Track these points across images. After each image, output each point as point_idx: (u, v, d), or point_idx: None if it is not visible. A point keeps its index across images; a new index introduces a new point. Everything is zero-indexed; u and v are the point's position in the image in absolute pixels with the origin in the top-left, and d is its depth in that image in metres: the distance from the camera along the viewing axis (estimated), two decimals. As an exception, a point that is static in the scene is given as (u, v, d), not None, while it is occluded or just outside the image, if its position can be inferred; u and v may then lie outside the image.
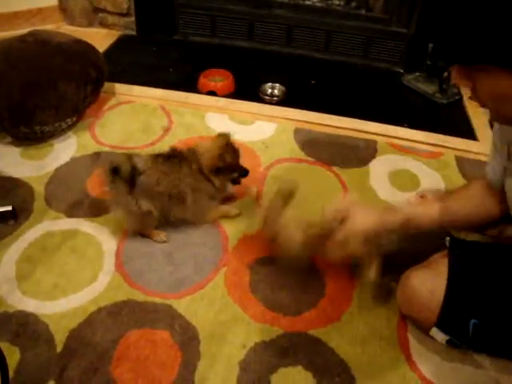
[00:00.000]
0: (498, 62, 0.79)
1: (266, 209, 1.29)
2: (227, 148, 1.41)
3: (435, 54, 2.17)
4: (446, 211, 1.17)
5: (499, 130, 1.11)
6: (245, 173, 1.46)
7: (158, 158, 1.36)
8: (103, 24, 2.58)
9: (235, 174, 1.45)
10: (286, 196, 1.28)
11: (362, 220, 1.14)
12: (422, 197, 1.58)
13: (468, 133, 1.95)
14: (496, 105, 0.89)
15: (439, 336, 1.13)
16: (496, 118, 0.98)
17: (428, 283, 1.12)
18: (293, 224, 1.25)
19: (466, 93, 2.16)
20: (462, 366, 1.16)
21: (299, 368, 1.14)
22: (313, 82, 2.26)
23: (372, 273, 1.21)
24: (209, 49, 2.47)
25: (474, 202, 1.20)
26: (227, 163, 1.39)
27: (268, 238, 1.31)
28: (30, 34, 1.84)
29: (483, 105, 0.91)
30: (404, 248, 1.42)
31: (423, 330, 1.18)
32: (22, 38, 1.80)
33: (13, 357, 1.11)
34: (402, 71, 2.36)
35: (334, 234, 1.14)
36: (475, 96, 0.91)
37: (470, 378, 1.14)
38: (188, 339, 1.18)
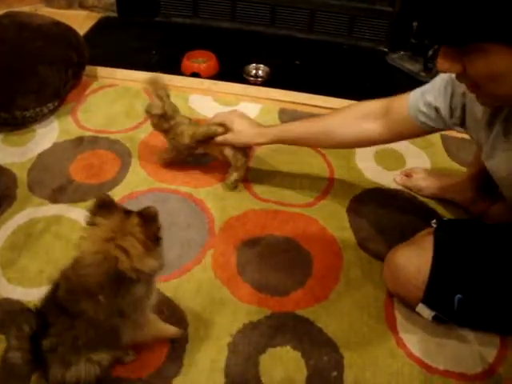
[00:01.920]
0: (499, 38, 0.74)
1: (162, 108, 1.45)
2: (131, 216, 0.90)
3: (420, 33, 2.16)
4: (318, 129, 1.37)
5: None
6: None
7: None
8: (83, 6, 2.52)
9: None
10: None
11: (242, 132, 1.43)
12: (407, 175, 1.59)
13: (453, 111, 1.95)
14: (493, 86, 0.83)
15: (425, 312, 1.14)
16: (487, 101, 0.93)
17: (414, 260, 1.13)
18: (185, 123, 1.49)
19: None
20: (447, 341, 1.18)
21: (288, 348, 1.15)
22: (297, 62, 2.24)
23: (234, 176, 1.51)
24: (191, 30, 2.43)
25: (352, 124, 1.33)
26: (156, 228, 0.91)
27: (162, 132, 1.51)
28: (6, 15, 1.79)
29: (474, 88, 0.88)
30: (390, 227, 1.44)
31: (410, 306, 1.19)
32: (-3, 20, 1.76)
33: None
34: (386, 50, 2.35)
35: (217, 136, 1.44)
36: (464, 79, 0.87)
37: (455, 353, 1.16)
38: (176, 322, 1.17)
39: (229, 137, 1.43)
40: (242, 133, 1.43)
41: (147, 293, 0.96)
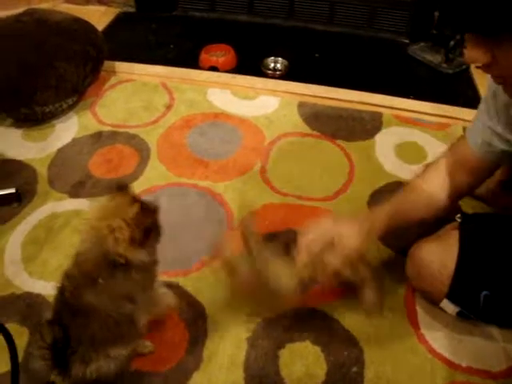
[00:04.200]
0: None
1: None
2: (135, 204, 0.91)
3: (448, 21, 2.12)
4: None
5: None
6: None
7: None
8: (101, 1, 2.52)
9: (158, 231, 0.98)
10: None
11: (349, 243, 1.04)
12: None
13: (475, 103, 1.87)
14: None
15: (450, 308, 1.12)
16: None
17: (439, 255, 1.11)
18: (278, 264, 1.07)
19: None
20: (470, 338, 1.16)
21: (307, 343, 1.14)
22: (316, 55, 2.22)
23: (370, 296, 1.13)
24: (209, 24, 2.42)
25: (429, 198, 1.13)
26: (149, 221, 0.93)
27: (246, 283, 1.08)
28: (26, 13, 1.80)
29: (501, 79, 0.84)
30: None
31: (433, 302, 1.17)
32: (17, 18, 1.77)
33: (22, 338, 1.12)
34: (407, 41, 2.31)
35: (324, 264, 1.03)
36: (492, 70, 0.83)
37: (478, 349, 1.14)
38: (195, 317, 1.18)
39: (344, 254, 1.04)
40: (354, 236, 1.05)
41: (148, 280, 0.97)
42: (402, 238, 1.35)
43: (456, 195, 1.14)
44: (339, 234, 1.04)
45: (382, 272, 1.27)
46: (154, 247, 0.97)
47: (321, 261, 1.03)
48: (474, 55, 0.80)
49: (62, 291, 0.94)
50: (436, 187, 1.13)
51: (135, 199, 0.93)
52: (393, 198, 1.13)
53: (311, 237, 1.06)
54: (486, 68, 0.83)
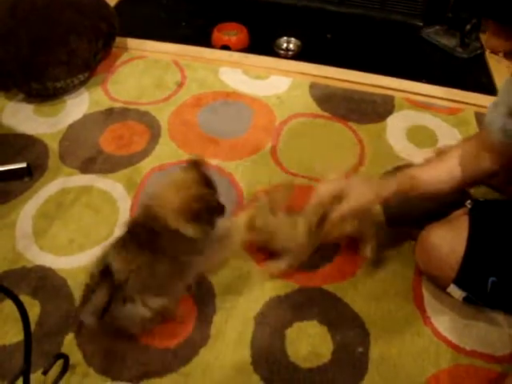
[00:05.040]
0: None
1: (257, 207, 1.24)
2: (202, 182, 1.05)
3: (458, 6, 2.09)
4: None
5: None
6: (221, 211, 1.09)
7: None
8: (113, -24, 2.50)
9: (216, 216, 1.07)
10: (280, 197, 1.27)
11: (357, 196, 1.11)
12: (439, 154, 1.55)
13: (489, 88, 1.89)
14: None
15: (457, 293, 1.13)
16: None
17: (448, 239, 1.11)
18: (288, 219, 1.21)
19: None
20: (476, 323, 1.16)
21: (314, 322, 1.15)
22: (329, 35, 2.20)
23: (368, 250, 1.24)
24: (222, 2, 2.40)
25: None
26: (208, 204, 1.03)
27: (261, 239, 1.24)
28: (38, -14, 1.79)
29: None
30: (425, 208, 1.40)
31: (440, 286, 1.18)
32: (30, -8, 1.75)
33: (33, 310, 1.14)
34: (421, 24, 2.28)
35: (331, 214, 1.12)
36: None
37: (483, 334, 1.15)
38: (204, 294, 1.19)
39: (350, 205, 1.10)
40: (364, 193, 1.13)
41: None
42: (409, 221, 1.36)
43: (471, 178, 1.14)
44: (350, 187, 1.12)
45: (383, 231, 1.32)
46: (212, 223, 1.06)
47: (329, 206, 1.12)
48: (494, 43, 0.81)
49: (133, 224, 1.04)
50: (454, 165, 1.13)
51: (201, 178, 1.05)
52: (408, 170, 1.17)
53: (324, 186, 1.16)
54: (506, 55, 0.83)
